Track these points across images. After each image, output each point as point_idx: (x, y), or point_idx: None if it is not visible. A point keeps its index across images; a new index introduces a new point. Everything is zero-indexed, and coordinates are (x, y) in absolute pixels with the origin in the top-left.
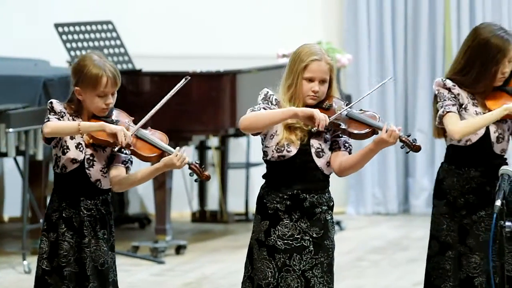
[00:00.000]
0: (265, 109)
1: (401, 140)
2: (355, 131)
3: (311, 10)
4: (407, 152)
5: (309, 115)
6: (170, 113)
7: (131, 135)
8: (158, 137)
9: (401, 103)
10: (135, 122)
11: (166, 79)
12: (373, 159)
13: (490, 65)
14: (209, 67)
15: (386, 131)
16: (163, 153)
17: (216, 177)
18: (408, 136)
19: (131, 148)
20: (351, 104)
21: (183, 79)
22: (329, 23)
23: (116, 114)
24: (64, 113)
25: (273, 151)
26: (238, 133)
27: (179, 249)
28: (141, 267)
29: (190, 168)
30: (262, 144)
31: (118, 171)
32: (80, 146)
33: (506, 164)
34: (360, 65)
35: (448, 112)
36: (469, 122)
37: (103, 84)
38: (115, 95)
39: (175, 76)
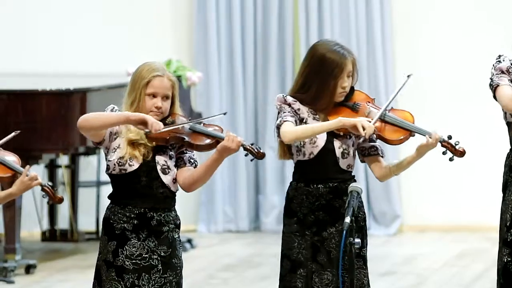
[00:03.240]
0: None
1: (244, 148)
2: (198, 143)
3: (161, 28)
4: (252, 160)
5: (141, 119)
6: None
7: None
8: (11, 159)
9: (251, 120)
10: None
11: (15, 97)
12: (224, 176)
13: (328, 80)
14: (59, 85)
15: (227, 138)
16: (15, 174)
17: (66, 196)
18: (252, 144)
19: None
20: (193, 120)
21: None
22: (179, 41)
23: None
24: None
25: (115, 165)
26: (89, 152)
27: (29, 269)
28: None
29: (43, 190)
30: (106, 158)
31: None
32: None
33: (354, 180)
34: (210, 83)
35: (285, 121)
36: (302, 127)
37: None
38: None
39: (24, 95)
